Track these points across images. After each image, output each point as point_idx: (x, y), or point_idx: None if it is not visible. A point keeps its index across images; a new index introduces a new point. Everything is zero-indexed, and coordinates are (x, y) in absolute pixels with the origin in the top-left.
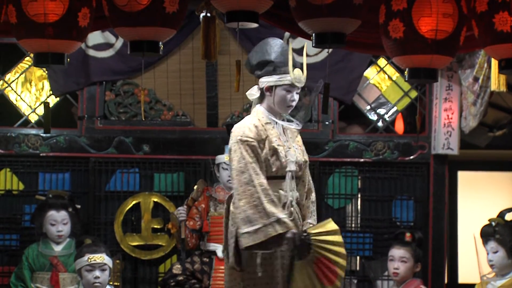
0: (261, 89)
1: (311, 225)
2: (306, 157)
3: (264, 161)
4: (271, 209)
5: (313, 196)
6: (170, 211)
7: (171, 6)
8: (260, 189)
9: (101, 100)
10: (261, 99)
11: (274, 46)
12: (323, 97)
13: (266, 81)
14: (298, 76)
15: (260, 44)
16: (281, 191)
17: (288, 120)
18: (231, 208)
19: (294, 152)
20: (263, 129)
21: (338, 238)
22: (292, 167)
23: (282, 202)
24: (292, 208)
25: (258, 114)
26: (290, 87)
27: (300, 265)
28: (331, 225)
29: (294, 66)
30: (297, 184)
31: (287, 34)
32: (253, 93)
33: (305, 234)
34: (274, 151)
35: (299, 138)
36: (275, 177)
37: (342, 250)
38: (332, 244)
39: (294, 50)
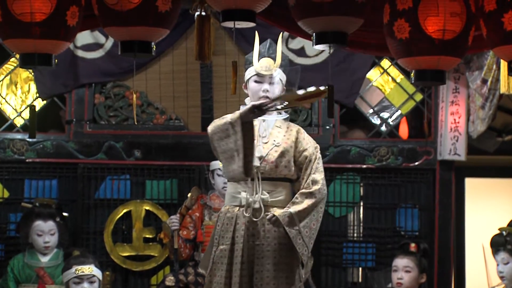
0: None
1: (288, 210)
2: (306, 153)
3: None
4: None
5: (309, 189)
6: (163, 220)
7: (163, 4)
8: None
9: (90, 103)
10: None
11: (263, 43)
12: (328, 100)
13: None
14: (264, 64)
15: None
16: (242, 193)
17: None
18: None
19: (262, 148)
20: None
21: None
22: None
23: (241, 204)
24: (248, 214)
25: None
26: (259, 77)
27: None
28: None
29: (262, 56)
30: (274, 185)
31: (285, 34)
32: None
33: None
34: None
35: (291, 133)
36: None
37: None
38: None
39: (293, 51)
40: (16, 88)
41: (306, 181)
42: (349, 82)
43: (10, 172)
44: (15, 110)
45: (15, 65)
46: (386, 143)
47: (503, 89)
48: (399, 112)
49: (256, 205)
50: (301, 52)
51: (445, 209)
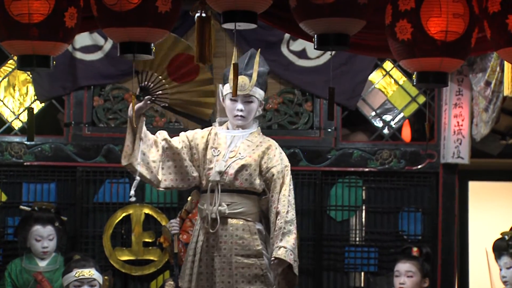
0: None
1: (281, 249)
2: (274, 170)
3: (200, 173)
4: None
5: (289, 215)
6: (162, 224)
7: (163, 5)
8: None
9: (89, 105)
10: None
11: (242, 57)
12: (328, 103)
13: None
14: (240, 83)
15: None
16: (205, 205)
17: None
18: None
19: (225, 161)
20: (212, 138)
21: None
22: (213, 177)
23: (202, 215)
24: (206, 225)
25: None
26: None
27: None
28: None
29: (239, 74)
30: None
31: (286, 35)
32: None
33: (273, 259)
34: (209, 162)
35: (259, 148)
36: (204, 191)
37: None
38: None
39: (294, 53)
40: (14, 90)
41: (280, 202)
42: (351, 84)
43: (8, 175)
44: (13, 112)
45: (13, 67)
46: (388, 146)
47: (506, 91)
48: (401, 114)
49: (213, 216)
50: (302, 54)
51: (448, 212)
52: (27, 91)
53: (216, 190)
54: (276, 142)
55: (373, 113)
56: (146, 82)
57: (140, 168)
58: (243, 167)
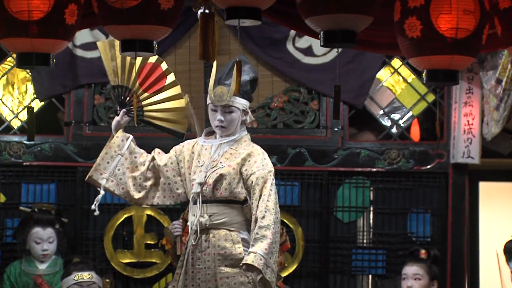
0: None
1: (250, 254)
2: (253, 177)
3: (186, 185)
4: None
5: (264, 220)
6: (165, 225)
7: (166, 2)
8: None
9: (89, 104)
10: None
11: (224, 66)
12: (334, 101)
13: None
14: (218, 93)
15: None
16: (191, 217)
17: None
18: None
19: (206, 172)
20: (198, 149)
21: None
22: (194, 188)
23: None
24: (193, 236)
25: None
26: (214, 106)
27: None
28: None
29: (219, 83)
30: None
31: (292, 32)
32: None
33: (241, 265)
34: (193, 173)
35: (239, 156)
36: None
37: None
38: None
39: (300, 50)
40: (13, 88)
41: (258, 208)
42: (358, 82)
43: (7, 176)
44: (12, 111)
45: (12, 65)
46: (397, 146)
47: None
48: (410, 113)
49: (194, 228)
50: (308, 51)
51: (458, 214)
52: (26, 89)
53: (198, 201)
54: (261, 148)
55: (381, 112)
56: (122, 97)
57: (106, 183)
58: (221, 177)
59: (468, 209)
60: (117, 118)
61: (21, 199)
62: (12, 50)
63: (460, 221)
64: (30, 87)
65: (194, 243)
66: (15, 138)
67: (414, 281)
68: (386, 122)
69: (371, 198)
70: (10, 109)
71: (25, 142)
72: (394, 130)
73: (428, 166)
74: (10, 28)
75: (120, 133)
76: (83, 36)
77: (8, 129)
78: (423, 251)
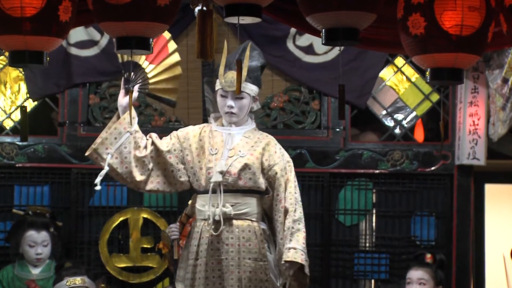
0: None
1: (291, 250)
2: (277, 167)
3: (195, 173)
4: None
5: (296, 213)
6: (162, 228)
7: None
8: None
9: (84, 104)
10: None
11: (235, 51)
12: (339, 101)
13: None
14: (229, 79)
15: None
16: (206, 206)
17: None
18: None
19: (225, 160)
20: (207, 136)
21: None
22: (215, 177)
23: (205, 217)
24: (207, 226)
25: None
26: (224, 91)
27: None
28: None
29: (229, 68)
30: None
31: (293, 30)
32: None
33: (283, 262)
34: (208, 161)
35: (259, 145)
36: (204, 191)
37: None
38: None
39: (301, 48)
40: (5, 88)
41: (287, 200)
42: (361, 81)
43: None
44: (4, 111)
45: (4, 63)
46: (400, 147)
47: None
48: (414, 113)
49: (217, 218)
50: (309, 50)
51: (464, 217)
52: (19, 88)
53: (219, 191)
54: (275, 139)
55: (384, 112)
56: (128, 73)
57: (110, 158)
58: (246, 166)
59: (474, 211)
60: (128, 97)
61: (14, 202)
62: (4, 48)
63: (465, 224)
64: (23, 87)
65: (215, 233)
66: (8, 139)
67: (419, 286)
68: (389, 123)
69: (374, 201)
70: (2, 109)
71: (18, 143)
72: (397, 130)
73: (433, 168)
74: (2, 25)
75: (133, 112)
76: (77, 34)
77: (1, 130)
78: (428, 256)
